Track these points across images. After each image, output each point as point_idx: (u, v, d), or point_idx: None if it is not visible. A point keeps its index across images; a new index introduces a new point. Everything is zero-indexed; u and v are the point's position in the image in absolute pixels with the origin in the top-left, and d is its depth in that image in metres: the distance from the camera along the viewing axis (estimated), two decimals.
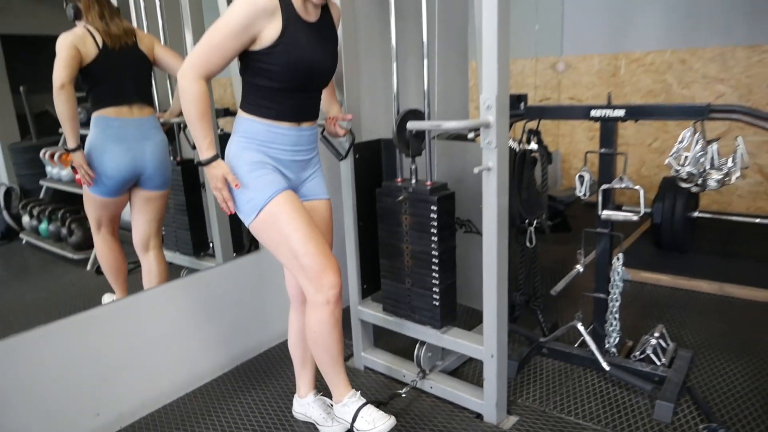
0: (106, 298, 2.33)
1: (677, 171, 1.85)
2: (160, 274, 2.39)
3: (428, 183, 1.95)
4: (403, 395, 2.09)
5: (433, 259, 1.95)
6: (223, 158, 1.66)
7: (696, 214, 3.50)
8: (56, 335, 1.90)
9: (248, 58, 1.61)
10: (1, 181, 2.38)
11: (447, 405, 2.08)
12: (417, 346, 2.16)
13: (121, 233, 2.36)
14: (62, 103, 1.99)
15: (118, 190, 2.24)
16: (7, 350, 1.79)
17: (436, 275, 1.96)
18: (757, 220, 3.55)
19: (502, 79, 1.66)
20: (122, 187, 2.25)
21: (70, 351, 1.93)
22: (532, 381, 2.24)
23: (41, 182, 2.51)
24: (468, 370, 2.32)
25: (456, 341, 2.01)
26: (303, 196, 1.82)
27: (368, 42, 2.59)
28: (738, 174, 1.78)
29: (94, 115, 2.16)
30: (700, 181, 1.82)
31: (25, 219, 2.51)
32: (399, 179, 2.07)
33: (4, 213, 2.44)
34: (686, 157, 1.84)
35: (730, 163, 1.79)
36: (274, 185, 1.65)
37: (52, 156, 2.46)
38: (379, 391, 2.18)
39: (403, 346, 2.40)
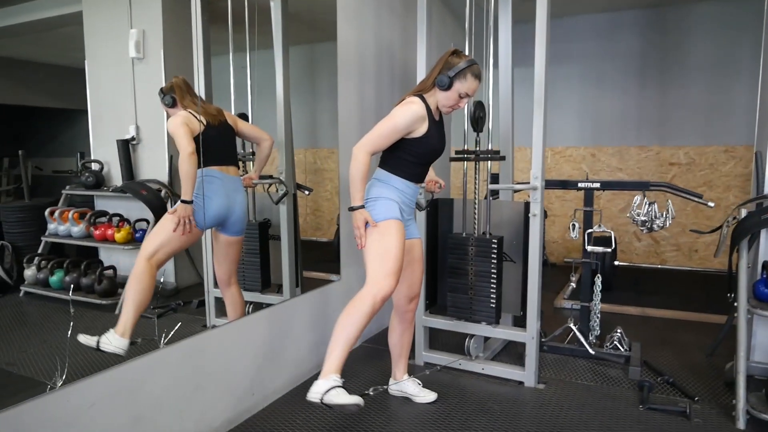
0: (81, 338, 2.25)
1: (635, 219, 3.05)
2: (242, 303, 2.98)
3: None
4: (371, 393, 2.50)
5: (492, 276, 2.95)
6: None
7: (616, 262, 4.83)
8: (208, 341, 2.64)
9: (402, 142, 2.48)
10: None
11: (494, 379, 3.03)
12: (467, 340, 3.10)
13: None
14: (190, 165, 2.40)
15: (209, 225, 2.66)
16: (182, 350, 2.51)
17: (494, 287, 2.95)
18: (656, 266, 4.96)
19: (542, 163, 2.79)
20: (213, 223, 2.66)
21: (229, 350, 2.65)
22: (544, 366, 3.24)
23: (42, 238, 2.70)
24: (500, 358, 3.28)
25: (505, 331, 3.00)
26: (407, 234, 2.64)
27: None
28: (670, 221, 3.01)
29: (202, 171, 2.54)
30: (649, 225, 3.02)
31: (29, 272, 2.64)
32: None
33: None
34: (638, 212, 3.05)
35: (665, 215, 3.02)
36: (397, 213, 2.43)
37: (52, 213, 2.73)
38: (435, 378, 3.07)
39: (447, 350, 3.32)
